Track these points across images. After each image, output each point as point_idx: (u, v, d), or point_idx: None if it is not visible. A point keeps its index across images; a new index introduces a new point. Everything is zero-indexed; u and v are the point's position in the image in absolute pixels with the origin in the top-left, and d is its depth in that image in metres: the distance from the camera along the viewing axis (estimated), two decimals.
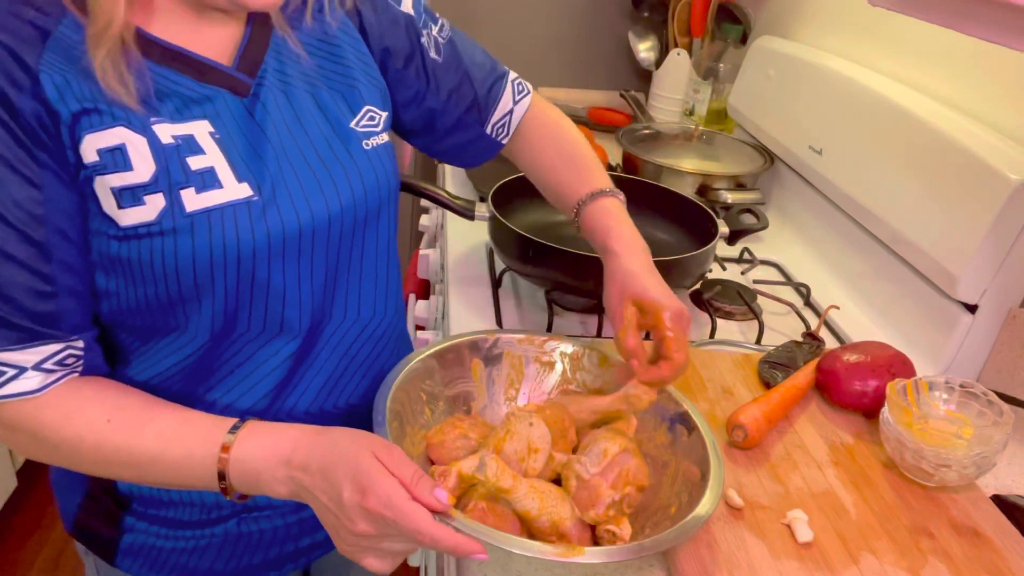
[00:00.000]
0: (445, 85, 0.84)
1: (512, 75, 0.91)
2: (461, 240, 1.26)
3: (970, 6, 0.65)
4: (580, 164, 0.88)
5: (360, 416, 0.79)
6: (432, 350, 0.78)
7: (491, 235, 1.10)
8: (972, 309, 0.96)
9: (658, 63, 1.86)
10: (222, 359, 0.69)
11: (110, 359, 0.69)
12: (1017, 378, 0.94)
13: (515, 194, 1.15)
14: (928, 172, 1.01)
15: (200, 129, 0.64)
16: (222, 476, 0.62)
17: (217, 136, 0.64)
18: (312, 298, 0.71)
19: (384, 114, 0.77)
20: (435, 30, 0.83)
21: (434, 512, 0.57)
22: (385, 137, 0.77)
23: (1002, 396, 0.81)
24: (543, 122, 0.92)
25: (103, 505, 0.76)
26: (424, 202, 1.69)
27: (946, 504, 0.76)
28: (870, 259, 1.16)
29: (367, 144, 0.74)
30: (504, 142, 0.92)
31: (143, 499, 0.74)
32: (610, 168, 1.52)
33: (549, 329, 1.03)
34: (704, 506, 0.64)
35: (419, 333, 1.28)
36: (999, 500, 0.78)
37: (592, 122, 1.84)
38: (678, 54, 1.80)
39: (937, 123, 1.02)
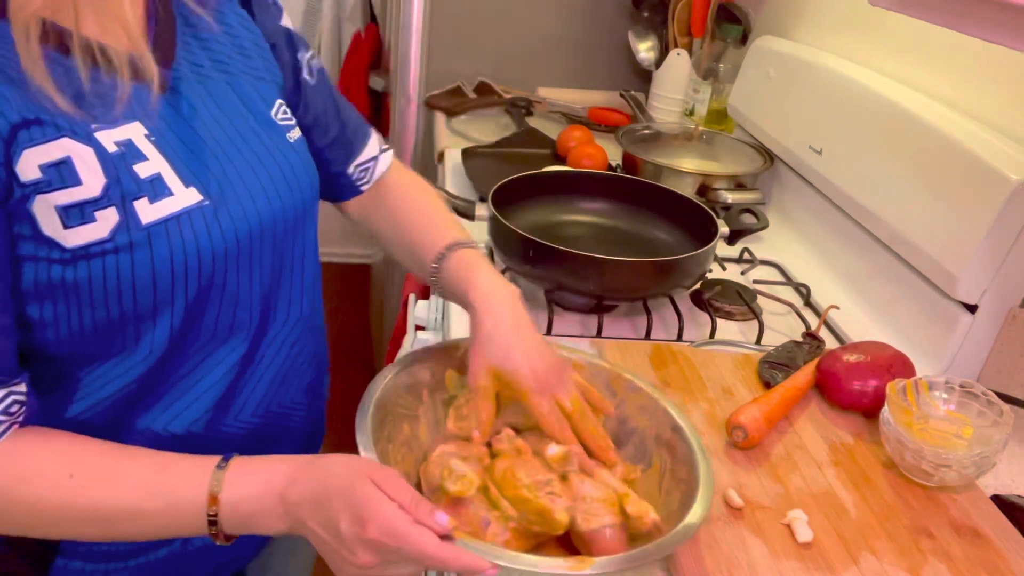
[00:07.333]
0: (313, 108, 0.81)
1: (373, 130, 0.90)
2: None
3: (970, 6, 0.65)
4: (437, 220, 0.85)
5: (304, 412, 0.79)
6: (401, 365, 0.76)
7: (491, 235, 1.10)
8: (972, 309, 0.96)
9: (658, 63, 1.86)
10: (165, 376, 0.66)
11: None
12: (1017, 378, 0.94)
13: (515, 194, 1.15)
14: (928, 172, 1.01)
15: (135, 132, 0.60)
16: (213, 522, 0.59)
17: (153, 138, 0.61)
18: (262, 299, 0.70)
19: (289, 109, 0.76)
20: (307, 55, 0.81)
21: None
22: (299, 131, 0.75)
23: (1002, 396, 0.81)
24: (403, 181, 0.90)
25: (27, 551, 0.68)
26: None
27: (946, 504, 0.76)
28: (870, 259, 1.16)
29: (290, 137, 0.73)
30: (363, 189, 0.88)
31: None
32: (610, 168, 1.52)
33: (549, 330, 1.02)
34: (700, 504, 0.65)
35: (419, 334, 1.28)
36: (999, 500, 0.78)
37: (592, 122, 1.84)
38: (678, 54, 1.80)
39: (937, 123, 1.02)
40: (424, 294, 1.59)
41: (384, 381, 0.73)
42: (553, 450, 0.70)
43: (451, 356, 0.79)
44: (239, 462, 0.60)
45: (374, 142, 0.88)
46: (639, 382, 0.78)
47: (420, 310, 1.38)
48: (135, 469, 0.60)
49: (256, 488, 0.59)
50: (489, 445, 0.72)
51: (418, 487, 0.70)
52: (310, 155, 0.76)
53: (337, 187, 0.87)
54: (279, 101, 0.74)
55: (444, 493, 0.65)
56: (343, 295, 3.06)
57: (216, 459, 0.60)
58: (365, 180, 0.88)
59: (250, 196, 0.66)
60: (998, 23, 0.62)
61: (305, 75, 0.80)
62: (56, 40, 0.57)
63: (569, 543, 0.68)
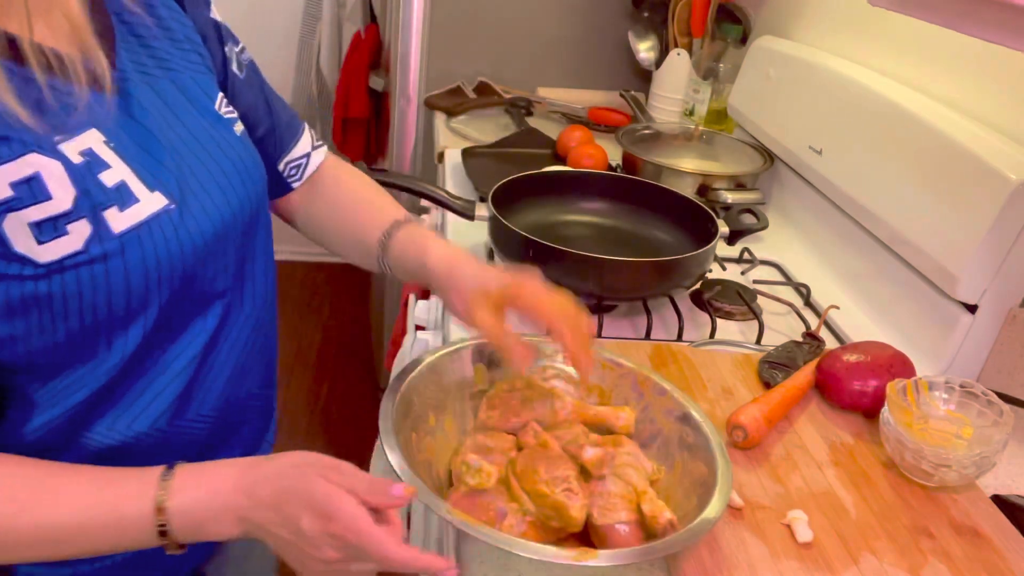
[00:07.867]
0: (242, 103, 0.79)
1: (306, 124, 0.89)
2: (461, 240, 1.26)
3: (970, 6, 0.65)
4: (378, 203, 0.86)
5: (261, 403, 0.80)
6: (435, 355, 0.78)
7: (491, 235, 1.10)
8: (972, 309, 0.96)
9: (658, 63, 1.86)
10: (131, 376, 0.64)
11: None
12: (1017, 378, 0.94)
13: (515, 194, 1.15)
14: (928, 172, 1.01)
15: (94, 139, 0.58)
16: (163, 532, 0.58)
17: (112, 144, 0.59)
18: (227, 294, 0.70)
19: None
20: (236, 49, 0.80)
21: (398, 508, 0.56)
22: (242, 124, 0.75)
23: (1002, 396, 0.81)
24: (339, 173, 0.90)
25: None
26: (424, 202, 1.69)
27: (946, 504, 0.76)
28: (870, 259, 1.16)
29: (236, 130, 0.72)
30: (295, 186, 0.87)
31: None
32: (610, 168, 1.52)
33: None
34: (714, 508, 0.65)
35: (419, 333, 1.28)
36: (999, 500, 0.78)
37: (592, 122, 1.84)
38: (678, 54, 1.80)
39: (937, 123, 1.02)
40: (424, 294, 1.59)
41: (412, 371, 0.75)
42: (589, 453, 0.70)
43: (480, 352, 0.80)
44: (184, 470, 0.60)
45: (307, 138, 0.87)
46: (666, 385, 0.79)
47: (420, 310, 1.38)
48: (77, 487, 0.59)
49: (204, 495, 0.58)
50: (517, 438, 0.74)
51: (448, 478, 0.72)
52: (255, 147, 0.75)
53: (269, 184, 0.86)
54: (220, 94, 0.73)
55: (464, 485, 0.67)
56: (343, 295, 3.05)
57: (160, 469, 0.60)
58: (297, 177, 0.87)
59: (209, 195, 0.66)
60: (998, 23, 0.62)
61: (234, 68, 0.79)
62: (5, 49, 0.55)
63: (591, 542, 0.69)
